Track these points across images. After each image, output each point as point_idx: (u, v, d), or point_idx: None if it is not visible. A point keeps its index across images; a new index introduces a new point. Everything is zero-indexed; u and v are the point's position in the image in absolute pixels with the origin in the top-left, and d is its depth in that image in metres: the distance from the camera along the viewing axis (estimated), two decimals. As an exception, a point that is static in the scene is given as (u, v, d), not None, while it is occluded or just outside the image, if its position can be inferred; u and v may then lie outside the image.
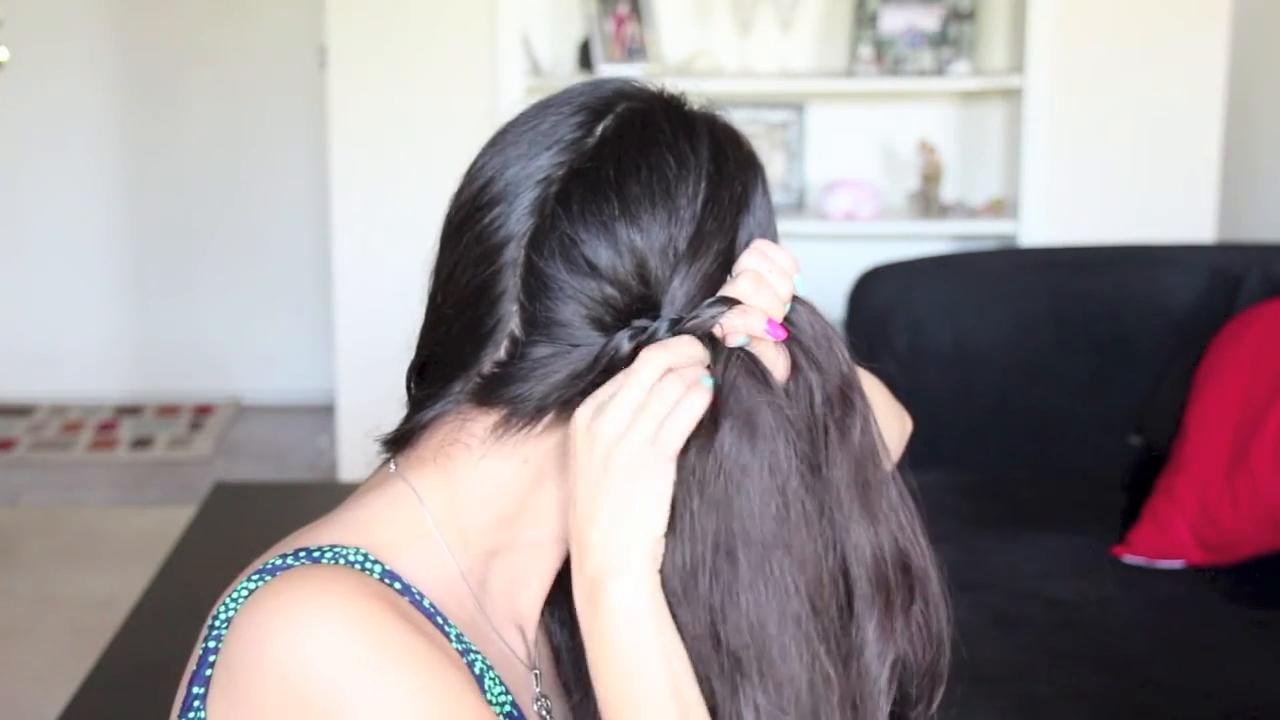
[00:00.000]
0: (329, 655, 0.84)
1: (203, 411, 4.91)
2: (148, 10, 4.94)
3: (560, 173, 0.92)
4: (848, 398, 0.94)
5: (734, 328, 0.91)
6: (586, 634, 0.88)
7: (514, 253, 0.92)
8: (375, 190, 3.82)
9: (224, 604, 0.90)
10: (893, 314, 2.92)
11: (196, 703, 0.89)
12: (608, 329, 0.91)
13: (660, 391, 0.89)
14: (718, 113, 0.98)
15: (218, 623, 0.90)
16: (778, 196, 3.89)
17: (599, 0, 3.78)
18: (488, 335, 0.93)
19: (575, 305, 0.91)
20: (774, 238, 0.97)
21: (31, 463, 4.50)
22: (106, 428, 4.77)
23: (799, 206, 3.90)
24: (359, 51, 3.81)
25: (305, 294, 4.98)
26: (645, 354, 0.90)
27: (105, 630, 3.31)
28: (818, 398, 0.93)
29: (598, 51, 3.76)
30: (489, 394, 0.93)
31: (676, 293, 0.91)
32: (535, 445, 0.94)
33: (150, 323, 5.08)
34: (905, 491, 0.98)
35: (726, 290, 0.92)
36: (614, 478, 0.88)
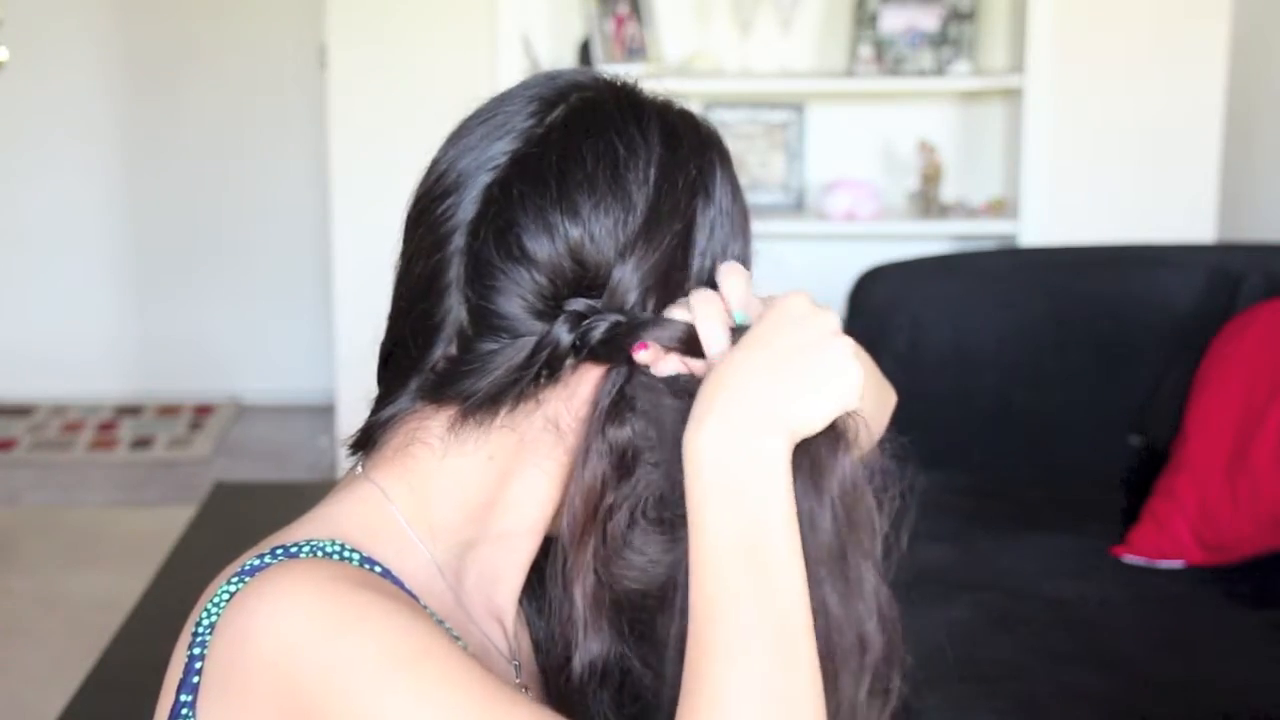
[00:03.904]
0: (309, 634, 0.83)
1: (203, 411, 4.91)
2: (148, 11, 4.95)
3: (506, 160, 0.92)
4: None
5: (640, 362, 0.91)
6: (714, 483, 0.85)
7: (459, 241, 0.92)
8: (375, 190, 3.82)
9: (205, 610, 0.90)
10: (893, 314, 2.92)
11: (185, 710, 0.89)
12: (547, 319, 0.91)
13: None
14: (675, 100, 0.98)
15: (201, 629, 0.89)
16: (777, 196, 3.89)
17: (599, 0, 3.78)
18: (437, 328, 0.93)
19: (514, 293, 0.91)
20: (742, 219, 0.96)
21: (31, 463, 4.50)
22: (106, 428, 4.77)
23: (799, 206, 3.90)
24: (359, 51, 3.81)
25: (305, 294, 4.98)
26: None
27: (105, 630, 3.31)
28: None
29: (598, 51, 3.76)
30: (441, 390, 0.93)
31: (628, 279, 0.91)
32: (499, 441, 0.94)
33: (150, 323, 5.08)
34: (872, 506, 0.96)
35: (677, 310, 0.92)
36: (828, 358, 0.89)
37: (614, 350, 0.91)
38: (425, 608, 0.92)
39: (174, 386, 5.07)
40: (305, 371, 4.97)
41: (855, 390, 0.89)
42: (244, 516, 3.96)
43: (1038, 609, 2.35)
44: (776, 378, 0.87)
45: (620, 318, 0.91)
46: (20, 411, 4.92)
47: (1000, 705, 2.10)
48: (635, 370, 0.92)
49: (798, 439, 0.87)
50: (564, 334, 0.90)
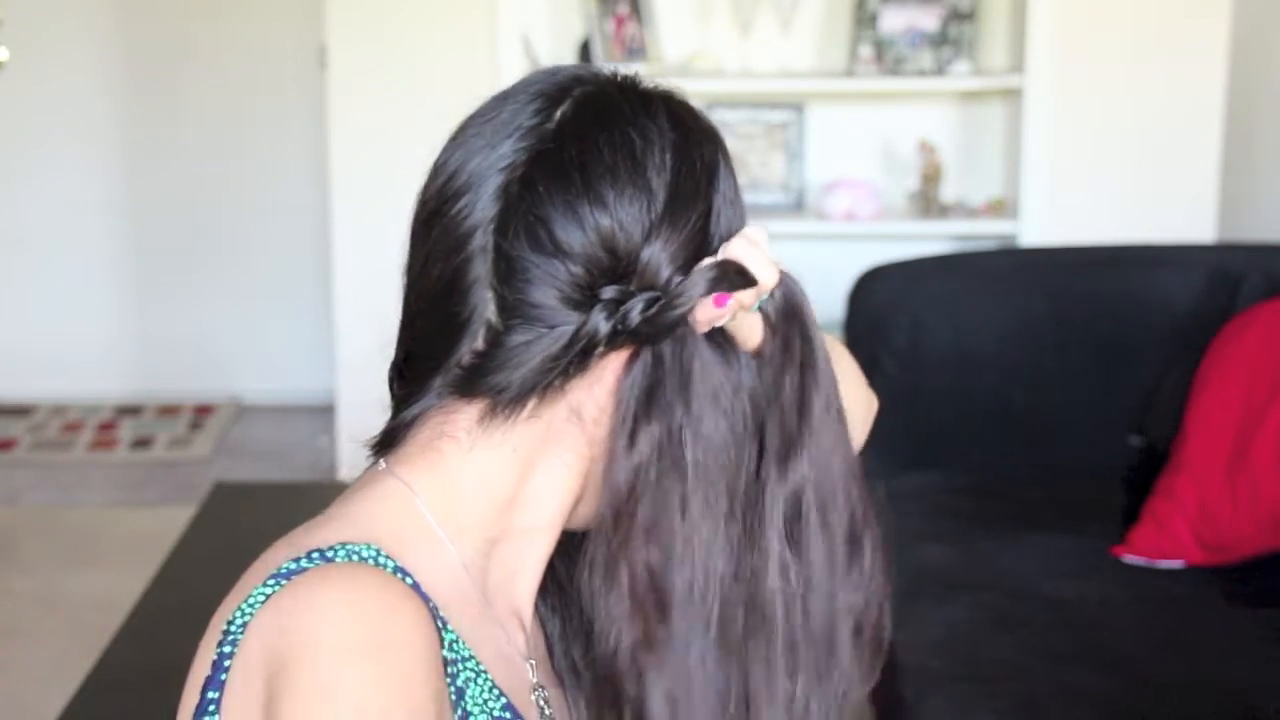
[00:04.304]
0: (326, 649, 0.83)
1: (203, 411, 4.91)
2: (148, 11, 4.95)
3: (522, 158, 0.93)
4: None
5: (708, 319, 0.93)
6: None
7: (482, 239, 0.93)
8: (375, 190, 3.82)
9: (239, 609, 0.89)
10: (893, 314, 2.92)
11: (212, 708, 0.89)
12: (583, 308, 0.91)
13: None
14: (675, 92, 0.99)
15: (233, 628, 0.89)
16: (777, 196, 3.89)
17: (599, 0, 3.78)
18: (463, 325, 0.93)
19: (546, 287, 0.91)
20: (741, 210, 0.98)
21: (31, 463, 4.50)
22: (106, 428, 4.77)
23: (799, 206, 3.90)
24: (359, 51, 3.81)
25: (305, 294, 4.98)
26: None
27: (105, 630, 3.31)
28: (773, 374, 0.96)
29: (598, 51, 3.76)
30: (469, 386, 0.94)
31: (657, 256, 0.92)
32: (523, 433, 0.94)
33: (150, 323, 5.08)
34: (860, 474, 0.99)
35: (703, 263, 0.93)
36: None
37: (655, 328, 0.92)
38: (444, 626, 0.92)
39: (174, 386, 5.07)
40: (305, 371, 4.97)
41: None
42: (244, 516, 3.96)
43: (1038, 609, 2.35)
44: None
45: (656, 293, 0.92)
46: (20, 411, 4.92)
47: (1000, 705, 2.10)
48: (676, 345, 0.93)
49: None
50: (601, 321, 0.91)
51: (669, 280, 0.92)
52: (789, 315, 0.95)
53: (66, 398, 5.01)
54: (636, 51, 3.77)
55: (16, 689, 3.13)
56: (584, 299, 0.91)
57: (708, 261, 0.93)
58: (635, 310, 0.91)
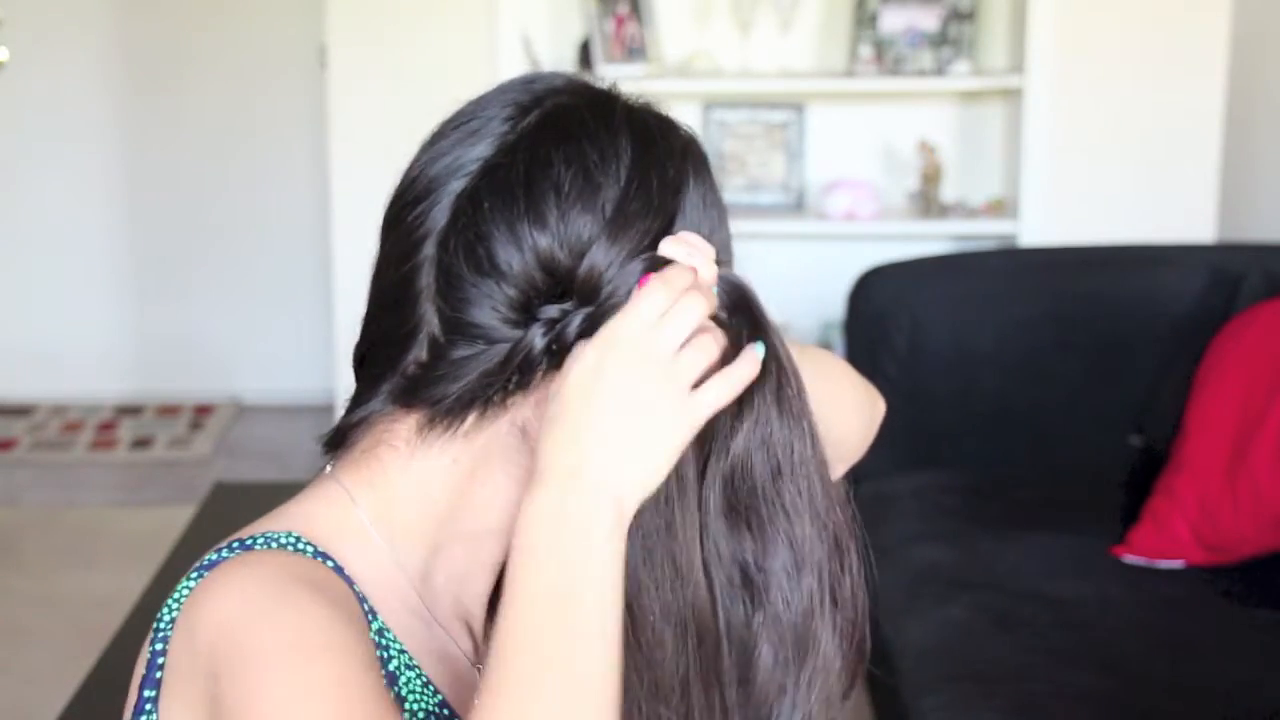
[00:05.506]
0: (235, 617, 0.84)
1: (203, 411, 4.91)
2: (148, 11, 4.95)
3: (477, 169, 0.92)
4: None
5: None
6: (542, 540, 0.84)
7: (429, 250, 0.92)
8: (375, 190, 3.80)
9: (167, 606, 0.91)
10: (893, 314, 2.92)
11: (149, 706, 0.89)
12: (522, 327, 0.91)
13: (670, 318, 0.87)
14: (654, 104, 0.97)
15: (163, 625, 0.90)
16: (777, 196, 3.89)
17: (599, 0, 3.78)
18: (409, 334, 0.93)
19: (484, 304, 0.91)
20: (715, 227, 0.95)
21: (31, 463, 4.50)
22: (106, 428, 4.77)
23: (799, 207, 3.90)
24: (359, 51, 3.81)
25: (305, 294, 4.98)
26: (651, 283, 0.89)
27: (105, 630, 3.31)
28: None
29: (598, 51, 3.76)
30: (410, 395, 0.93)
31: (597, 270, 0.90)
32: (463, 445, 0.94)
33: (150, 323, 5.08)
34: (826, 478, 0.95)
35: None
36: (671, 418, 0.86)
37: None
38: (370, 611, 0.92)
39: (174, 386, 5.07)
40: (305, 371, 4.97)
41: (682, 442, 0.86)
42: (244, 516, 3.94)
43: (1038, 609, 2.35)
44: (609, 436, 0.84)
45: (592, 309, 0.90)
46: (20, 411, 4.91)
47: (1000, 705, 2.10)
48: None
49: (629, 506, 0.85)
50: (538, 339, 0.90)
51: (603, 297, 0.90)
52: (735, 308, 0.92)
53: (66, 398, 5.01)
54: (636, 52, 3.77)
55: (16, 689, 3.13)
56: (522, 318, 0.90)
57: (635, 260, 0.90)
58: (573, 326, 0.90)
